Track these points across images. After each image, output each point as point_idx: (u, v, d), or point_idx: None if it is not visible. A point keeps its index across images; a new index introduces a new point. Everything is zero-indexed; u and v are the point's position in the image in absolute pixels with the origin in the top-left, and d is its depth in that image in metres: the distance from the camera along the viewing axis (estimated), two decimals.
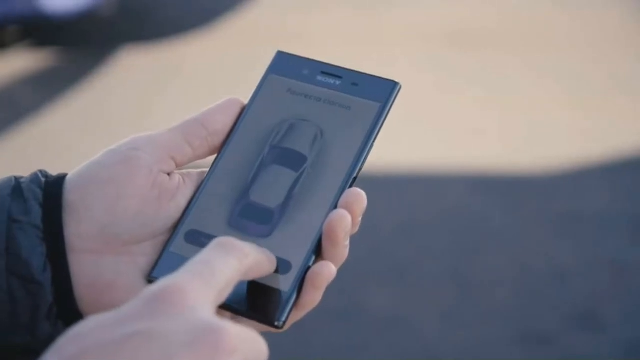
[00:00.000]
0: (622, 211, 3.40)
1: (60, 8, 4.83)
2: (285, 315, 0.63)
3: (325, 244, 0.64)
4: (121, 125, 4.19)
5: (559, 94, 4.39)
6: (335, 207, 0.65)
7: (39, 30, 5.26)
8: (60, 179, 0.66)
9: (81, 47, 5.11)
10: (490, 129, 4.07)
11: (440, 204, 3.47)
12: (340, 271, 0.65)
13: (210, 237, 0.65)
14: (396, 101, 0.69)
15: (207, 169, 0.69)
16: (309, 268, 0.64)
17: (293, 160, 0.68)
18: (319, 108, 0.69)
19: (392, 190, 3.55)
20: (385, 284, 3.01)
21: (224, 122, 0.69)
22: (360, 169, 0.67)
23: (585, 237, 3.24)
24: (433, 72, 4.64)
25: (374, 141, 0.68)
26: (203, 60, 4.86)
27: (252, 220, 0.66)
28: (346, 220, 0.63)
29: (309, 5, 5.56)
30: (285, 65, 0.71)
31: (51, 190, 0.65)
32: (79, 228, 0.64)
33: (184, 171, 0.68)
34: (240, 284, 0.63)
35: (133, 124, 4.18)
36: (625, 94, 4.37)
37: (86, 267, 0.63)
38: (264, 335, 0.60)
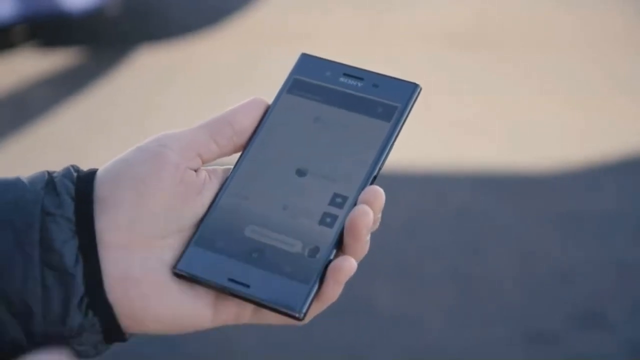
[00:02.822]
0: (626, 211, 3.41)
1: (75, 6, 4.85)
2: (307, 306, 0.65)
3: (347, 239, 0.67)
4: (128, 124, 4.20)
5: (559, 94, 4.40)
6: (356, 204, 0.68)
7: (46, 30, 5.27)
8: (91, 174, 0.68)
9: (87, 47, 5.11)
10: (491, 129, 4.08)
11: (442, 204, 3.48)
12: None
13: (232, 233, 0.68)
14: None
15: (232, 166, 0.71)
16: (330, 262, 0.66)
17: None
18: (341, 109, 0.72)
19: (394, 189, 3.56)
20: (388, 283, 3.02)
21: (249, 121, 0.71)
22: (380, 168, 0.70)
23: (588, 237, 3.25)
24: (433, 73, 4.65)
25: (394, 141, 0.71)
26: (208, 60, 4.88)
27: None
28: (368, 216, 0.66)
29: (311, 5, 5.57)
30: (309, 67, 0.74)
31: (83, 185, 0.67)
32: (109, 222, 0.66)
33: (209, 168, 0.70)
34: (262, 276, 0.66)
35: (140, 123, 4.19)
36: (626, 94, 4.38)
37: (115, 260, 0.66)
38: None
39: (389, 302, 2.93)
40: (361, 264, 0.69)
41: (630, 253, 3.15)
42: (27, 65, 4.90)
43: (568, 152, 3.82)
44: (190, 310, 0.67)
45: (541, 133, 4.02)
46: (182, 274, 0.66)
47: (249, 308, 0.68)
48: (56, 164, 3.59)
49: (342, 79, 0.72)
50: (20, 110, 4.38)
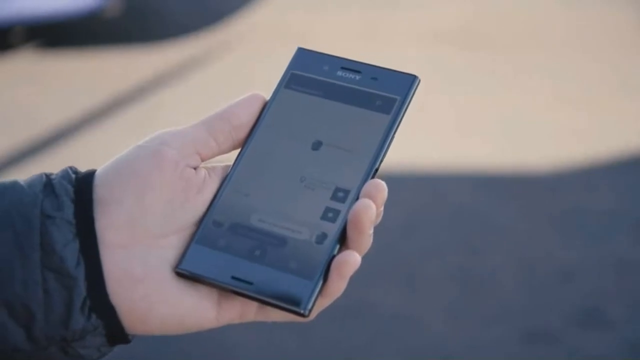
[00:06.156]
0: (627, 210, 3.41)
1: (66, 8, 4.85)
2: (312, 303, 0.65)
3: (350, 233, 0.66)
4: (127, 124, 4.20)
5: (557, 94, 4.40)
6: (358, 197, 0.67)
7: (45, 31, 5.26)
8: (90, 175, 0.67)
9: (86, 48, 5.11)
10: (493, 128, 4.08)
11: (441, 204, 3.48)
12: None
13: (236, 230, 0.68)
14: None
15: (232, 163, 0.70)
16: (334, 257, 0.66)
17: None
18: (339, 102, 0.71)
19: (392, 190, 3.54)
20: (388, 283, 3.02)
21: (247, 117, 0.70)
22: (382, 161, 0.69)
23: (590, 236, 3.25)
24: (434, 72, 4.64)
25: (394, 134, 0.70)
26: (208, 60, 4.88)
27: None
28: (371, 210, 0.66)
29: (312, 5, 5.57)
30: (306, 61, 0.73)
31: (82, 186, 0.66)
32: (109, 222, 0.65)
33: (209, 165, 0.70)
34: (266, 273, 0.65)
35: (140, 123, 4.19)
36: (628, 93, 4.38)
37: (117, 261, 0.65)
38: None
39: (388, 302, 2.93)
40: (364, 263, 0.69)
41: (630, 252, 3.15)
42: (25, 66, 4.89)
43: (566, 152, 3.82)
44: (194, 309, 0.66)
45: (539, 132, 4.02)
46: (185, 273, 0.66)
47: (253, 306, 0.67)
48: (54, 164, 3.57)
49: (339, 73, 0.72)
50: (17, 111, 4.37)
